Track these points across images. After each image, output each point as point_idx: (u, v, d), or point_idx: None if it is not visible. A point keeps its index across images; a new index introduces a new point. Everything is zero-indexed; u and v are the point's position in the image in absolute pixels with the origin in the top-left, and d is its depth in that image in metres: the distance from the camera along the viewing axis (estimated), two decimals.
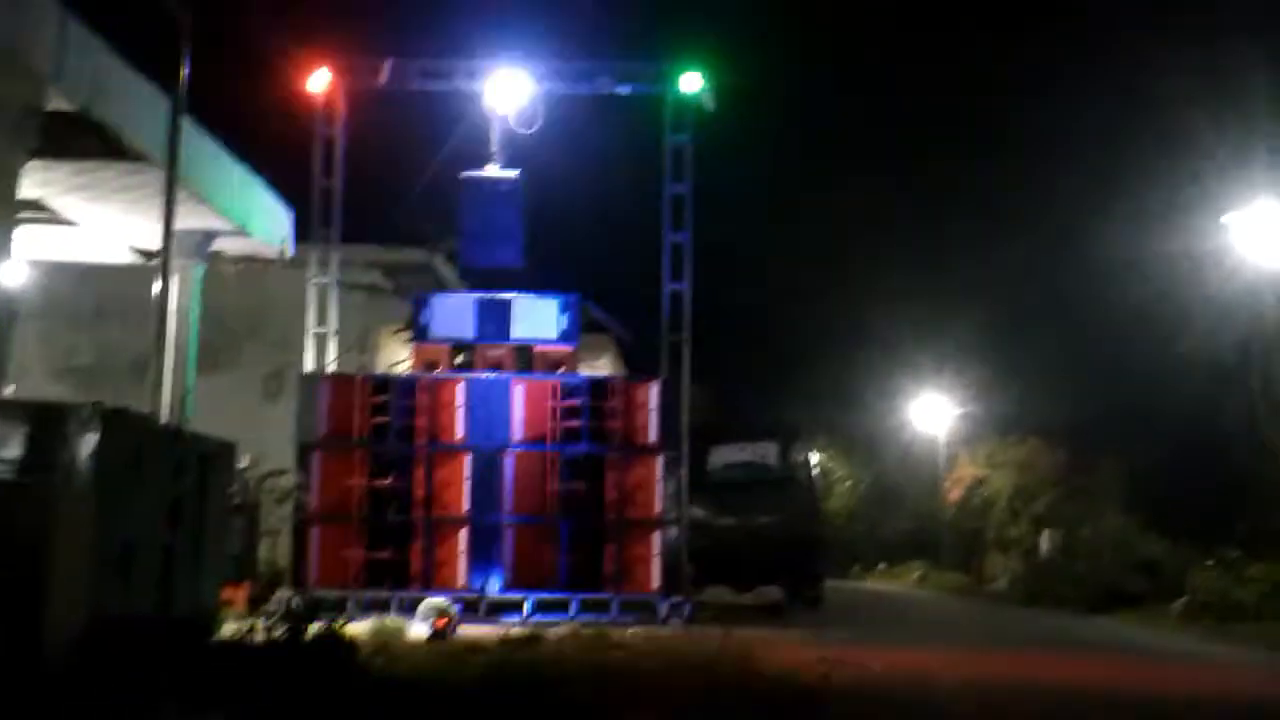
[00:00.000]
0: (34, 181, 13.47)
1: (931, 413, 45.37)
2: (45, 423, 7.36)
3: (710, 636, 13.62)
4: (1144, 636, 18.17)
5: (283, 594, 15.53)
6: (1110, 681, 11.96)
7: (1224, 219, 23.01)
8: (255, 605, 13.46)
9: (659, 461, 16.95)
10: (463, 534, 16.70)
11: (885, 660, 12.58)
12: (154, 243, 13.30)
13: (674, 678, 9.70)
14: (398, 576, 16.40)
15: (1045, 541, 31.18)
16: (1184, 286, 26.82)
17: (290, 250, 17.66)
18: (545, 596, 16.30)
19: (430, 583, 16.28)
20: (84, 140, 12.46)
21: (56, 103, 11.28)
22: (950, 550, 41.23)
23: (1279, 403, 24.18)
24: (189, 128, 13.15)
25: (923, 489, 46.00)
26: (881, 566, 47.61)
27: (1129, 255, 28.58)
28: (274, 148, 18.81)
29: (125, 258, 17.01)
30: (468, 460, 16.88)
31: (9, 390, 13.64)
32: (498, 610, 16.05)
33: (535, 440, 16.92)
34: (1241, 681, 12.65)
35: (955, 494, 40.12)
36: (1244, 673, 13.62)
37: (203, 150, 14.21)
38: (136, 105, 12.42)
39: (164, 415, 12.89)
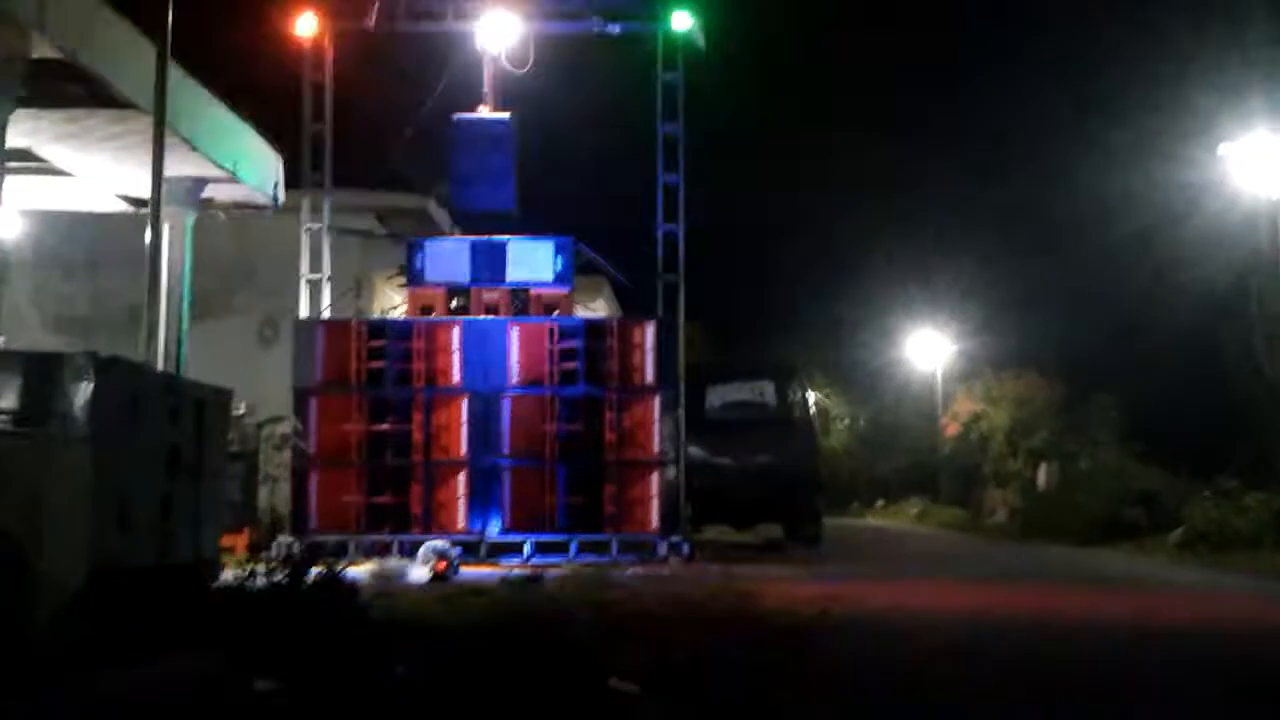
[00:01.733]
0: (21, 131, 13.34)
1: (928, 349, 45.46)
2: (40, 373, 7.33)
3: (709, 575, 13.75)
4: (1141, 567, 18.28)
5: (283, 539, 15.64)
6: (1103, 611, 12.03)
7: (1221, 149, 22.91)
8: (256, 551, 13.51)
9: (656, 402, 16.96)
10: (461, 477, 16.75)
11: (884, 595, 12.67)
12: (144, 191, 13.17)
13: (673, 616, 9.76)
14: (398, 520, 16.47)
15: (1043, 475, 31.32)
16: (1181, 217, 26.79)
17: (281, 196, 17.56)
18: (545, 538, 16.37)
19: (430, 526, 16.35)
20: (71, 88, 12.32)
21: (41, 50, 11.15)
22: (948, 486, 41.42)
23: (1276, 333, 24.17)
24: (176, 73, 13.01)
25: (920, 425, 46.19)
26: (880, 503, 47.88)
27: (1126, 186, 28.54)
28: (263, 92, 18.65)
29: (116, 206, 16.90)
30: (465, 403, 16.90)
31: (1, 341, 13.63)
32: (498, 552, 16.13)
33: (532, 383, 16.92)
34: (1231, 608, 12.72)
35: (953, 429, 40.24)
36: (1235, 600, 13.69)
37: (191, 96, 14.05)
38: (122, 51, 12.26)
39: (159, 363, 12.85)
